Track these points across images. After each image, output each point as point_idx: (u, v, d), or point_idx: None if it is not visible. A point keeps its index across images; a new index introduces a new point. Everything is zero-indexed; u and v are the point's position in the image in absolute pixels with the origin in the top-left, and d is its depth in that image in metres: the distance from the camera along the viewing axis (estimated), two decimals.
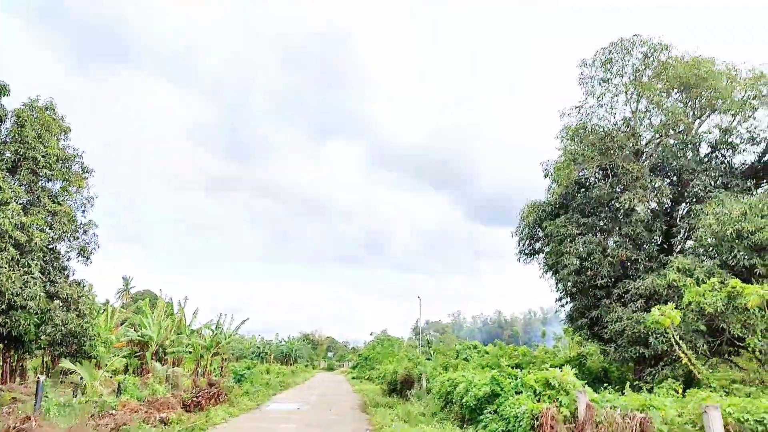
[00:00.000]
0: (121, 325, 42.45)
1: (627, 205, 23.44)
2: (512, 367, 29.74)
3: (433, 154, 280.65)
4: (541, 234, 29.19)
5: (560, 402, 12.03)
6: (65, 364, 22.10)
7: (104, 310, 38.92)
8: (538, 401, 13.38)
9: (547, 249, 29.04)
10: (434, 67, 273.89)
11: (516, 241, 29.94)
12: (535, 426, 11.27)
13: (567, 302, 30.07)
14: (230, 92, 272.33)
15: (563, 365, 14.91)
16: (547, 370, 14.12)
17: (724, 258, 21.22)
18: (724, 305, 18.80)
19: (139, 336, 39.40)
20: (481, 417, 14.17)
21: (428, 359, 40.20)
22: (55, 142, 25.29)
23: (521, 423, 11.77)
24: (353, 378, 56.45)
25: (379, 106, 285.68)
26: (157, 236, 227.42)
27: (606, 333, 23.09)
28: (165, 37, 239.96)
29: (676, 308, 19.31)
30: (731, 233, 20.08)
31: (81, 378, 22.03)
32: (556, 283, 30.05)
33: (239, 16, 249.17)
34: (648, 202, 23.63)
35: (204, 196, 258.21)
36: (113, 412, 16.27)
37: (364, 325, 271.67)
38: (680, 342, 17.44)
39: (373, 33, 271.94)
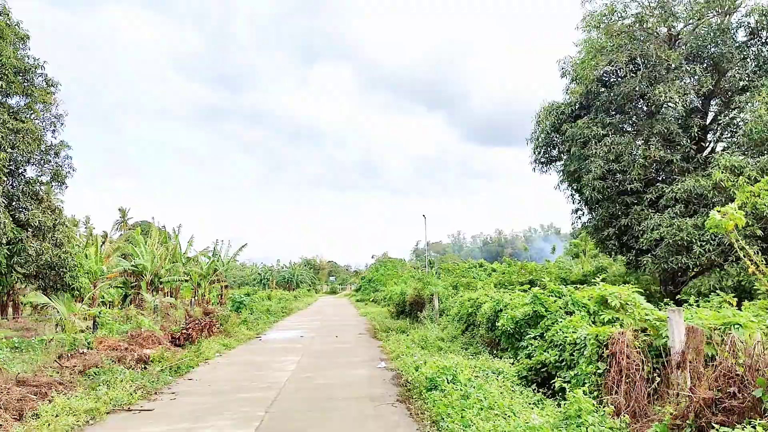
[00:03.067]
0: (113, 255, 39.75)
1: (661, 99, 20.25)
2: (525, 284, 27.21)
3: (425, 74, 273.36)
4: (558, 140, 26.05)
5: (624, 324, 9.29)
6: (36, 297, 19.39)
7: (93, 241, 36.26)
8: (594, 324, 10.67)
9: (565, 156, 25.99)
10: None
11: (531, 148, 26.79)
12: (604, 355, 8.53)
13: (583, 213, 27.32)
14: (212, 20, 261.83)
15: (584, 280, 12.28)
16: (599, 285, 11.35)
17: None
18: None
19: (131, 266, 36.84)
20: (521, 344, 11.47)
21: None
22: (10, 51, 21.70)
23: (583, 352, 9.02)
24: (357, 301, 54.48)
25: (365, 27, 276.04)
26: (151, 169, 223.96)
27: (640, 243, 20.32)
28: None
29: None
30: None
31: (59, 313, 19.39)
32: (573, 194, 27.21)
33: None
34: (685, 94, 20.39)
35: (195, 127, 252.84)
36: (84, 350, 13.60)
37: (363, 249, 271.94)
38: (745, 248, 14.69)
39: None
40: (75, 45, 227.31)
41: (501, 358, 12.10)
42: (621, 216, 22.06)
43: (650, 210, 20.93)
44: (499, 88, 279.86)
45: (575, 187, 26.32)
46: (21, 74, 22.53)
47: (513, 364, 11.03)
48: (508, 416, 7.82)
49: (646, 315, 9.67)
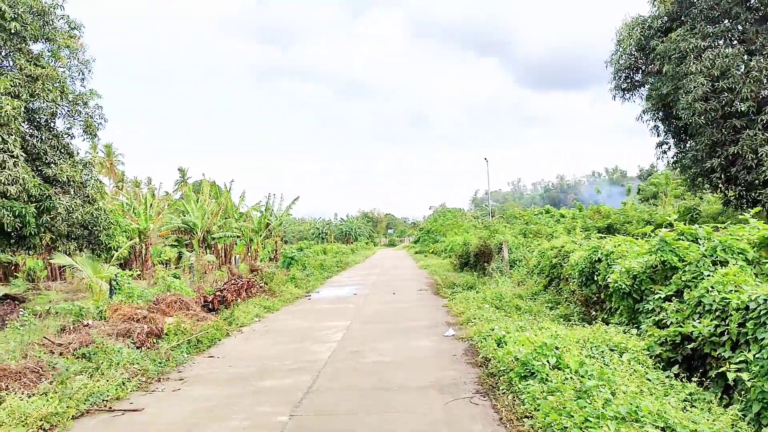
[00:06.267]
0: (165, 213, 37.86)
1: None
2: (603, 230, 23.41)
3: (475, 19, 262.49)
4: (643, 61, 21.95)
5: None
6: (59, 258, 17.11)
7: (142, 199, 34.40)
8: (756, 277, 7.25)
9: (652, 79, 21.88)
10: None
11: (611, 73, 22.75)
12: None
13: (670, 147, 23.31)
14: None
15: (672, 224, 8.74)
16: (753, 223, 7.87)
17: None
18: None
19: (182, 223, 34.84)
20: (645, 306, 8.14)
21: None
22: None
23: (765, 322, 5.66)
24: (416, 252, 51.51)
25: None
26: (207, 129, 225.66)
27: (757, 173, 16.40)
28: None
29: None
30: None
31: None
32: (658, 124, 23.21)
33: None
34: None
35: (248, 85, 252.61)
36: (90, 322, 11.04)
37: (420, 201, 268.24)
38: None
39: None
40: (125, 14, 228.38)
41: (608, 323, 8.84)
42: (728, 144, 18.05)
43: (767, 134, 16.91)
44: (552, 29, 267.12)
45: (663, 115, 22.32)
46: (38, 16, 20.00)
47: (637, 335, 7.73)
48: None
49: None
